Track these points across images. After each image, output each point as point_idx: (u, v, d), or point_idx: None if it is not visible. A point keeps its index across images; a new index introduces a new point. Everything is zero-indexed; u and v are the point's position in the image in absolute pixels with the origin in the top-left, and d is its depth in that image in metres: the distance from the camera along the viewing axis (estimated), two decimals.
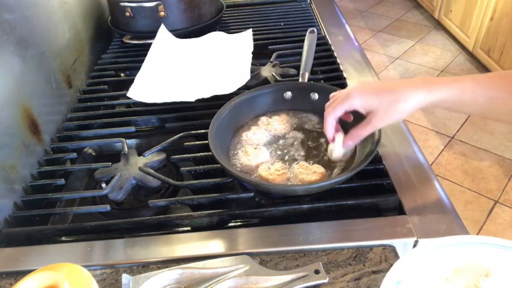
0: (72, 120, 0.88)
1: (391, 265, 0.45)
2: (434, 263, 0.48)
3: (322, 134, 0.73)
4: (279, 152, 0.71)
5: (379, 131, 0.65)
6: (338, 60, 0.98)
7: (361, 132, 0.61)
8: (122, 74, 1.07)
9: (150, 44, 1.05)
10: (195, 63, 1.02)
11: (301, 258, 0.55)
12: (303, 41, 0.93)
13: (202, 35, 1.12)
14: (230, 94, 0.84)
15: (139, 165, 0.72)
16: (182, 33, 1.11)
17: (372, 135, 0.65)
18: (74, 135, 0.84)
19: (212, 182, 0.67)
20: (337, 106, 0.61)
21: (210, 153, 0.65)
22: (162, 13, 1.08)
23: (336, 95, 0.65)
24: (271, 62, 0.99)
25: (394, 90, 0.58)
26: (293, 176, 0.65)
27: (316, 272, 0.51)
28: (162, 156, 0.74)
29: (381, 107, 0.58)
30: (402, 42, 3.24)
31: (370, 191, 0.64)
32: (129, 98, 0.89)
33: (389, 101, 0.57)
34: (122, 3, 1.07)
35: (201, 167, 0.71)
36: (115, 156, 0.76)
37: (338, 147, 0.65)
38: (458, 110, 0.60)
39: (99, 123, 0.87)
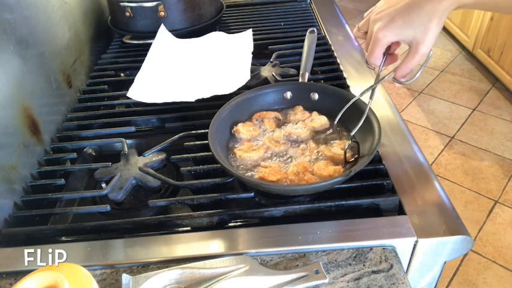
0: (72, 120, 0.88)
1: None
2: None
3: (322, 134, 0.73)
4: (278, 152, 0.71)
5: (379, 131, 0.65)
6: (338, 60, 0.98)
7: (411, 63, 0.60)
8: (122, 74, 1.07)
9: (150, 44, 1.05)
10: (195, 63, 1.02)
11: (301, 258, 0.55)
12: (303, 41, 0.93)
13: (202, 35, 1.12)
14: (230, 94, 0.85)
15: (139, 165, 0.72)
16: (182, 33, 1.11)
17: (372, 135, 0.65)
18: (74, 135, 0.84)
19: (212, 182, 0.67)
20: (372, 50, 0.60)
21: (210, 153, 0.65)
22: (162, 13, 1.08)
23: (367, 16, 0.63)
24: (271, 62, 0.99)
25: (420, 10, 0.55)
26: (293, 176, 0.65)
27: (316, 272, 0.51)
28: (162, 156, 0.74)
29: (418, 34, 0.56)
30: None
31: (370, 191, 0.64)
32: (129, 98, 0.89)
33: (423, 24, 0.55)
34: (122, 3, 1.07)
35: (201, 167, 0.71)
36: (115, 156, 0.76)
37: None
38: (483, 10, 0.62)
39: (99, 123, 0.87)
